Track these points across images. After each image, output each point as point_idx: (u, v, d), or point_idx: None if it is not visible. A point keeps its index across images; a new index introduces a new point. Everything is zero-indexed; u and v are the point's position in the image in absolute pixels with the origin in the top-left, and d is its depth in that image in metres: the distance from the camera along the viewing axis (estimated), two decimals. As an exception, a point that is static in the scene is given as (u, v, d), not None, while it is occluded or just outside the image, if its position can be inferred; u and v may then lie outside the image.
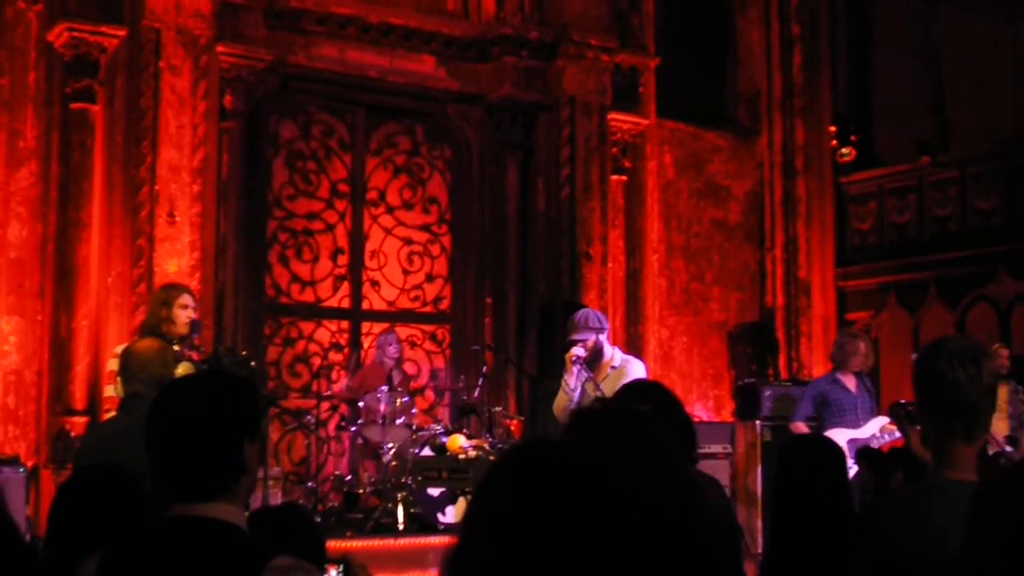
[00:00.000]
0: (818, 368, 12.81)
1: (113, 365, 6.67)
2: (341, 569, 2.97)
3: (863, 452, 8.23)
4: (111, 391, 6.63)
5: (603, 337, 7.30)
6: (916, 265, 12.80)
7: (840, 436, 8.66)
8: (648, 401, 3.85)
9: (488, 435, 9.48)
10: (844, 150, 13.53)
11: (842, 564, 3.45)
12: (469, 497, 1.73)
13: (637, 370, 7.28)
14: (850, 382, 8.85)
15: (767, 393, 10.96)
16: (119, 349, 6.29)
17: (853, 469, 8.53)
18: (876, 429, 8.65)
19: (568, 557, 1.57)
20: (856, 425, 8.68)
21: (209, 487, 2.57)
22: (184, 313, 6.93)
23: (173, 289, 7.30)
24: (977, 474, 2.81)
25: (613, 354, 7.35)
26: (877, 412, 8.95)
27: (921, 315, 12.67)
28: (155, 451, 2.62)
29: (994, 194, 12.32)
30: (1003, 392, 9.18)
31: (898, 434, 8.39)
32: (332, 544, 7.52)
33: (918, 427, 3.01)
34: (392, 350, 10.15)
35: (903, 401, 3.55)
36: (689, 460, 3.68)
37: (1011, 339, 11.69)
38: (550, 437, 1.82)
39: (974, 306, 12.23)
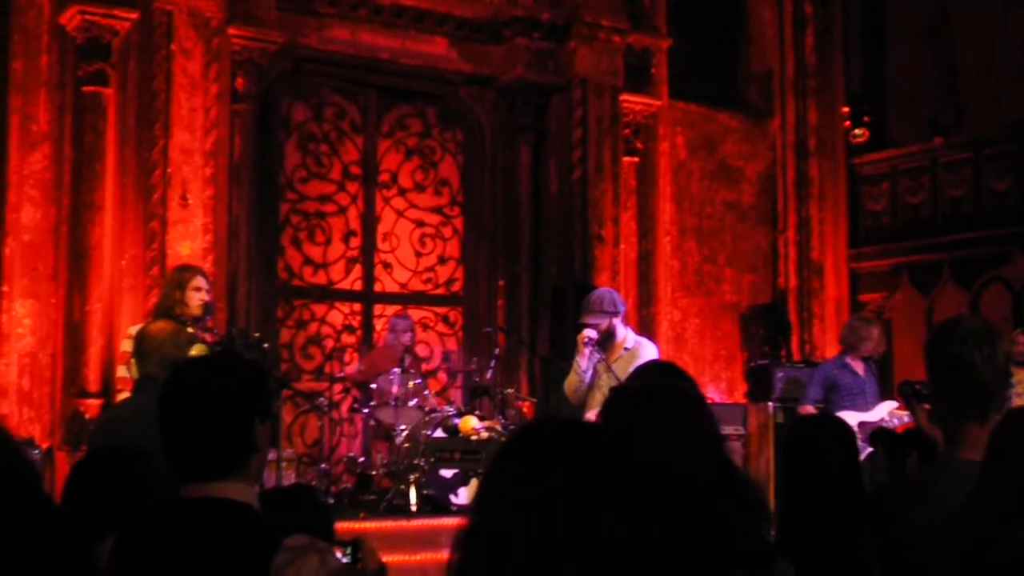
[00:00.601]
0: (831, 350, 12.78)
1: (127, 346, 6.69)
2: (348, 552, 2.98)
3: (878, 433, 8.25)
4: (124, 372, 6.65)
5: (617, 320, 7.28)
6: (930, 246, 12.76)
7: (850, 419, 8.66)
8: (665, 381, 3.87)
9: (500, 417, 9.50)
10: (857, 131, 13.49)
11: (853, 544, 3.46)
12: (479, 478, 1.72)
13: (649, 352, 7.28)
14: (858, 366, 8.86)
15: (779, 375, 10.97)
16: (133, 330, 6.31)
17: (865, 451, 8.57)
18: (885, 412, 8.66)
19: (582, 537, 1.58)
20: (865, 408, 8.70)
21: (221, 466, 2.60)
22: (197, 295, 6.96)
23: (186, 271, 7.32)
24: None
25: (626, 335, 7.34)
26: (884, 396, 8.96)
27: (935, 296, 12.64)
28: (167, 430, 2.65)
29: (1008, 175, 12.27)
30: (1022, 376, 9.17)
31: (907, 417, 8.43)
32: (345, 526, 7.56)
33: (926, 406, 3.01)
34: (404, 328, 10.17)
35: (911, 380, 3.54)
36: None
37: (1025, 320, 11.67)
38: (559, 416, 1.82)
39: (988, 287, 12.20)
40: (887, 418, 8.62)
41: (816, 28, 13.36)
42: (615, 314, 7.26)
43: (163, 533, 2.61)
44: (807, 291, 13.15)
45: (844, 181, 13.46)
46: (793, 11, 13.38)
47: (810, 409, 8.80)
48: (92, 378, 9.07)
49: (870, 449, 8.62)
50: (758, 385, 11.15)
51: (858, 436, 8.53)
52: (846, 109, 13.47)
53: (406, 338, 10.14)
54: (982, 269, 12.27)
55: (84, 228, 9.25)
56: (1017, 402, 8.84)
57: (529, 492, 1.61)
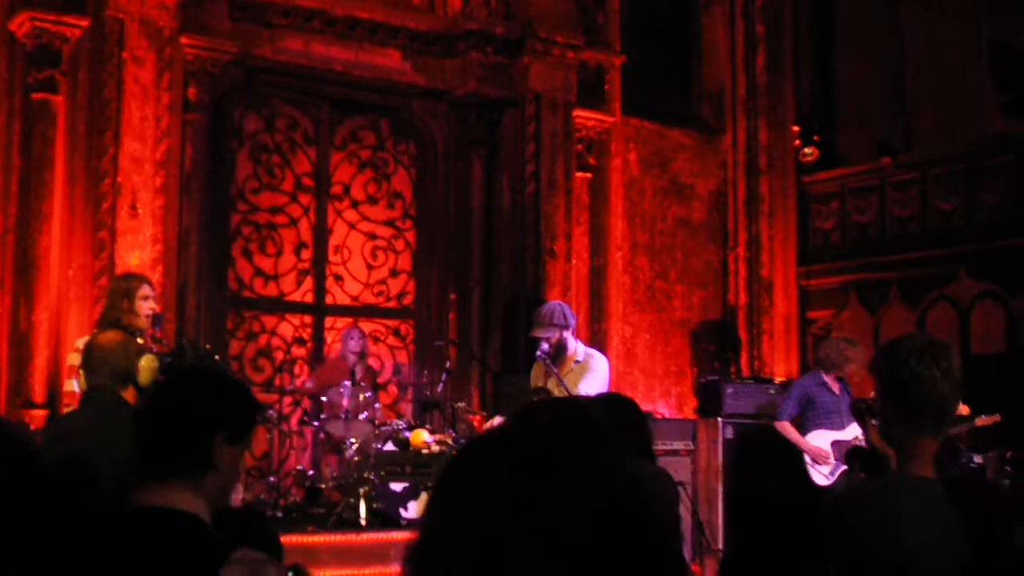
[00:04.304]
0: (780, 366, 12.89)
1: (73, 360, 6.60)
2: None
3: (854, 452, 8.34)
4: (71, 386, 6.55)
5: (567, 333, 7.29)
6: (877, 265, 12.89)
7: (824, 437, 8.78)
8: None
9: (451, 430, 9.48)
10: (807, 150, 13.58)
11: (802, 557, 3.47)
12: (430, 490, 1.72)
13: (600, 364, 7.29)
14: (834, 385, 8.95)
15: (729, 391, 11.02)
16: (81, 343, 6.23)
17: (839, 469, 8.69)
18: (859, 431, 8.75)
19: (534, 547, 1.57)
20: (840, 427, 8.79)
21: (169, 471, 2.60)
22: (145, 304, 6.87)
23: (133, 280, 7.21)
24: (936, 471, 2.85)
25: (576, 348, 7.36)
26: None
27: (882, 314, 12.76)
28: (135, 431, 2.68)
29: (954, 195, 12.42)
30: None
31: None
32: (294, 540, 7.52)
33: (875, 422, 3.04)
34: (354, 344, 10.14)
35: (864, 398, 3.58)
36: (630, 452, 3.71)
37: (970, 339, 11.80)
38: (510, 428, 1.82)
39: (934, 306, 12.33)
40: (860, 436, 8.71)
41: (767, 47, 13.47)
42: (565, 327, 7.28)
43: (107, 542, 2.60)
44: (757, 308, 13.24)
45: (794, 199, 13.56)
46: (745, 30, 13.49)
47: (787, 426, 8.85)
48: (38, 389, 8.96)
49: (844, 467, 8.72)
50: (708, 401, 11.20)
51: (831, 455, 8.68)
52: (796, 128, 13.59)
53: (354, 345, 10.11)
54: (929, 288, 12.39)
55: (32, 237, 9.15)
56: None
57: (483, 505, 1.61)
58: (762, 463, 4.01)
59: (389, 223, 11.53)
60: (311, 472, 9.71)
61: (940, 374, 2.80)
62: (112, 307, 7.07)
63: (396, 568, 1.71)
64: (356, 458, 8.97)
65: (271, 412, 9.83)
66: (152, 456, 2.64)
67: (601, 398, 4.98)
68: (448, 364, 10.18)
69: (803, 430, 8.81)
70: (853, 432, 8.70)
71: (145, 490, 2.61)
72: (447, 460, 1.79)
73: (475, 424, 9.98)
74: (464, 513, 1.62)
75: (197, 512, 2.59)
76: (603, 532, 1.62)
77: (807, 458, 8.03)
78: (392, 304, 11.54)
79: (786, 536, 3.71)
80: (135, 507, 2.61)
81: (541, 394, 7.29)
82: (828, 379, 8.96)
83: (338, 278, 11.21)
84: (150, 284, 7.17)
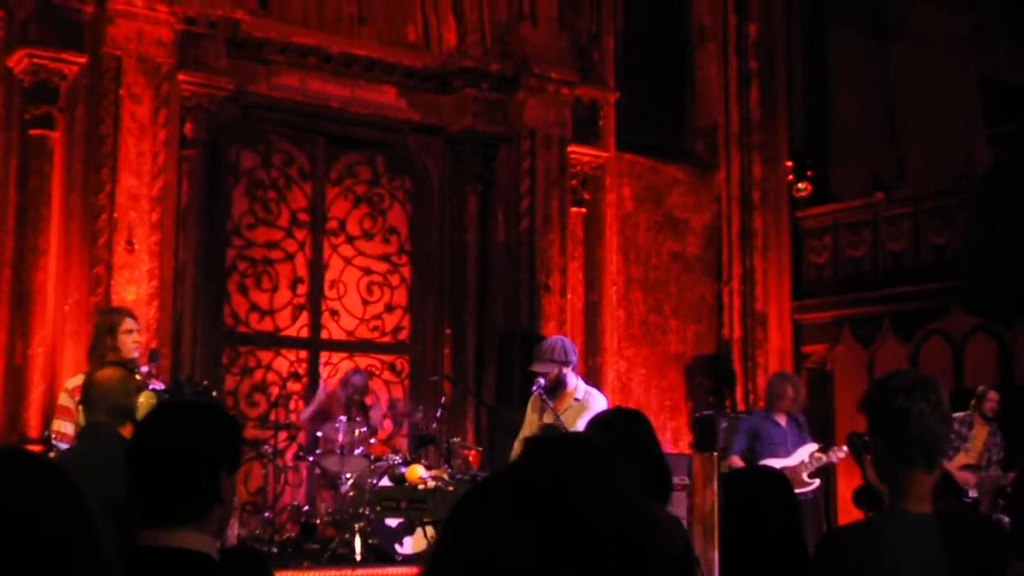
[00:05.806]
0: (774, 401, 12.89)
1: (64, 400, 6.56)
2: None
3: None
4: (60, 426, 6.48)
5: (567, 370, 7.26)
6: (871, 299, 12.92)
7: (771, 465, 8.94)
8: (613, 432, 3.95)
9: (447, 466, 9.47)
10: (800, 185, 13.66)
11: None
12: (447, 523, 1.73)
13: (599, 404, 7.25)
14: (781, 418, 9.24)
15: (724, 425, 11.05)
16: (71, 384, 6.23)
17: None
18: (805, 456, 9.02)
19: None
20: (786, 455, 9.01)
21: (180, 514, 2.58)
22: (130, 338, 6.80)
23: (115, 314, 7.14)
24: (932, 506, 2.87)
25: (576, 386, 7.31)
26: (808, 443, 9.26)
27: (876, 349, 12.77)
28: (133, 474, 2.64)
29: (947, 230, 12.47)
30: (983, 433, 9.55)
31: (826, 459, 8.87)
32: (289, 575, 7.49)
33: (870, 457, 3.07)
34: (359, 380, 10.18)
35: (859, 432, 3.61)
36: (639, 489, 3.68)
37: (964, 373, 11.82)
38: (529, 466, 1.83)
39: (928, 340, 12.35)
40: (807, 460, 8.96)
41: (761, 83, 13.56)
42: (565, 363, 7.24)
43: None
44: (751, 342, 13.26)
45: (788, 234, 13.61)
46: (738, 66, 13.58)
47: (736, 460, 9.04)
48: (33, 424, 8.94)
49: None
50: (703, 435, 11.23)
51: None
52: (790, 163, 13.66)
53: (359, 381, 10.14)
54: (922, 322, 12.42)
55: (28, 272, 9.16)
56: (964, 457, 9.31)
57: (486, 538, 1.62)
58: (754, 489, 4.04)
59: (384, 258, 11.56)
60: (306, 508, 9.70)
61: (930, 409, 2.83)
62: (97, 343, 6.98)
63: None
64: (351, 493, 8.97)
65: (266, 447, 9.82)
66: (160, 503, 2.59)
67: (610, 413, 4.80)
68: (443, 399, 10.18)
69: (754, 462, 9.03)
70: (800, 457, 9.00)
71: (153, 532, 2.59)
72: (448, 497, 1.80)
73: (470, 459, 9.98)
74: (468, 546, 1.63)
75: (207, 550, 2.59)
76: (608, 565, 1.64)
77: None
78: (387, 339, 11.55)
79: (778, 560, 3.73)
80: (144, 547, 2.59)
81: (549, 430, 7.27)
82: (775, 414, 9.21)
83: (334, 313, 11.23)
84: (133, 317, 7.08)
